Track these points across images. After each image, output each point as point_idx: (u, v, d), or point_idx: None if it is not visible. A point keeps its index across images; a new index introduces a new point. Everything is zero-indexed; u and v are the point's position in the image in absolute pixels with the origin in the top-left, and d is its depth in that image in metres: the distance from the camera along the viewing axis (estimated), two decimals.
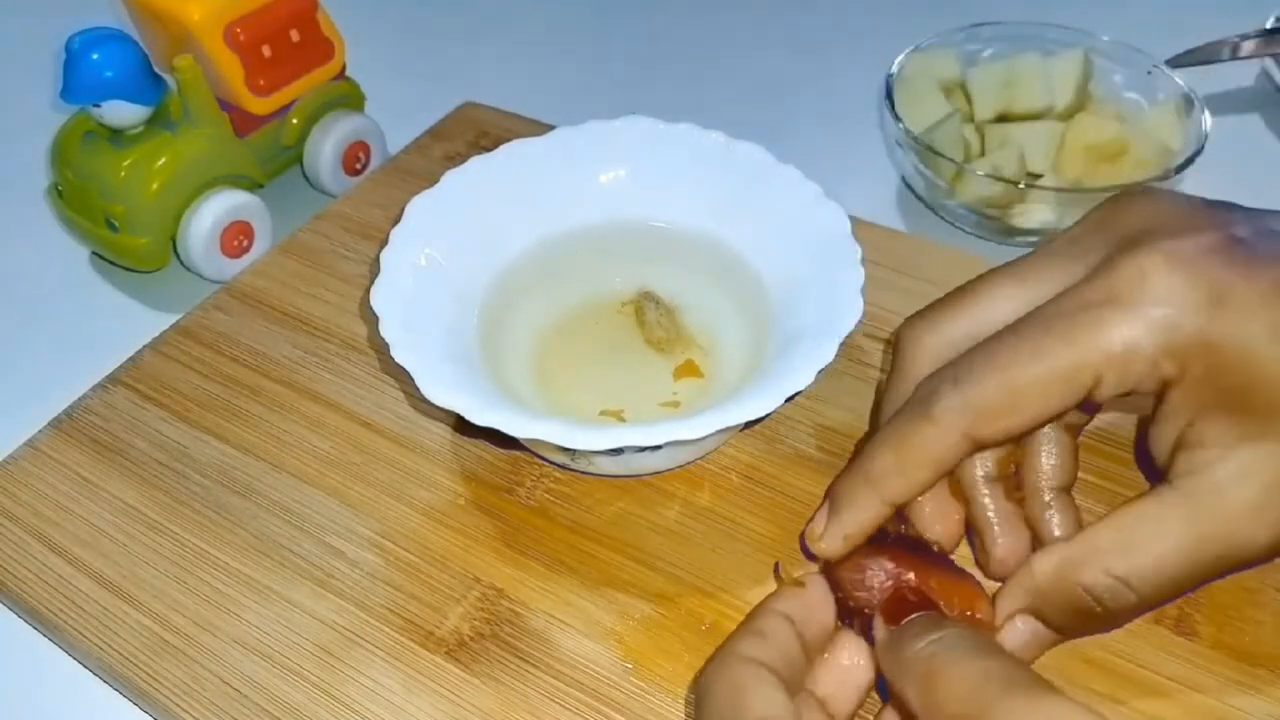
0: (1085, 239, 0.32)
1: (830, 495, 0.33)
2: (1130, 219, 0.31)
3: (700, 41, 0.68)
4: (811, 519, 0.33)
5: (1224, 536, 0.28)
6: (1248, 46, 0.57)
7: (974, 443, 0.30)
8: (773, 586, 0.36)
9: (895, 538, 0.32)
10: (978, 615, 0.30)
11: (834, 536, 0.32)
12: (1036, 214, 0.50)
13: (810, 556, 0.33)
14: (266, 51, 0.51)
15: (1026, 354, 0.29)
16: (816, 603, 0.31)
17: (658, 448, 0.34)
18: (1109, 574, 0.29)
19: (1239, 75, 0.62)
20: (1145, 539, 0.29)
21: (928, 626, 0.28)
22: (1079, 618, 0.30)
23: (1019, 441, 0.34)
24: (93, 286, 0.53)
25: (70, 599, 0.37)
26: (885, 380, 0.35)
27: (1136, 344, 0.28)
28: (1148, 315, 0.28)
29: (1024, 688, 0.24)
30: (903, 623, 0.29)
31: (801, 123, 0.60)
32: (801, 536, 0.35)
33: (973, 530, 0.34)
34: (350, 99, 0.56)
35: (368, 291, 0.39)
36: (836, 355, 0.35)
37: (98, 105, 0.46)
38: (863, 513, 0.32)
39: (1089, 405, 0.31)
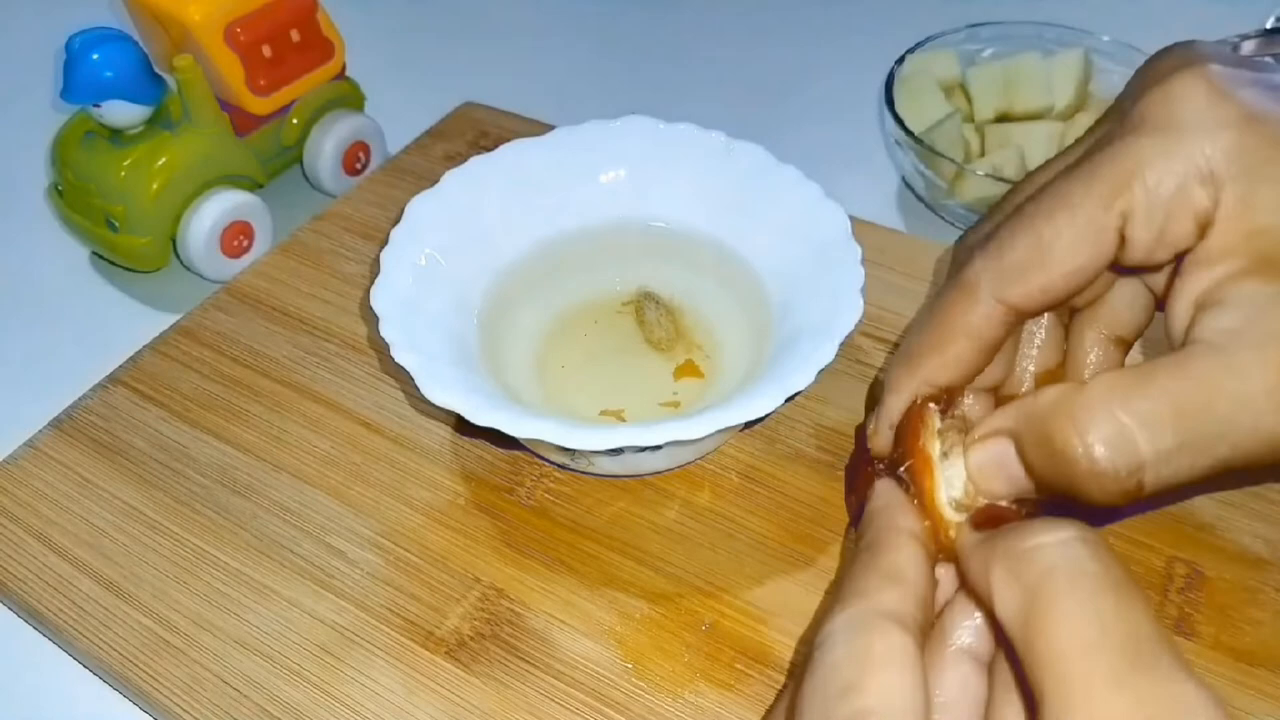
0: (1123, 97, 0.28)
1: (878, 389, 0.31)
2: (1163, 63, 0.27)
3: (700, 41, 0.68)
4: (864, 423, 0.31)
5: (1231, 408, 0.24)
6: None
7: (1009, 309, 0.28)
8: (773, 586, 0.37)
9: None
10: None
11: (881, 427, 0.30)
12: None
13: (857, 522, 0.30)
14: (266, 51, 0.51)
15: (1052, 203, 0.27)
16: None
17: (658, 448, 0.34)
18: (1114, 415, 0.24)
19: None
20: (1157, 392, 0.24)
21: (1045, 526, 0.23)
22: (1056, 466, 0.25)
23: (1065, 306, 0.30)
24: (93, 286, 0.53)
25: (70, 599, 0.37)
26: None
27: (1163, 164, 0.25)
28: (1175, 132, 0.25)
29: (1148, 660, 0.20)
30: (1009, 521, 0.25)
31: (801, 122, 0.60)
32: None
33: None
34: (350, 99, 0.56)
35: (368, 291, 0.39)
36: (836, 355, 0.35)
37: (98, 105, 0.46)
38: (905, 397, 0.29)
39: (1124, 269, 0.27)
